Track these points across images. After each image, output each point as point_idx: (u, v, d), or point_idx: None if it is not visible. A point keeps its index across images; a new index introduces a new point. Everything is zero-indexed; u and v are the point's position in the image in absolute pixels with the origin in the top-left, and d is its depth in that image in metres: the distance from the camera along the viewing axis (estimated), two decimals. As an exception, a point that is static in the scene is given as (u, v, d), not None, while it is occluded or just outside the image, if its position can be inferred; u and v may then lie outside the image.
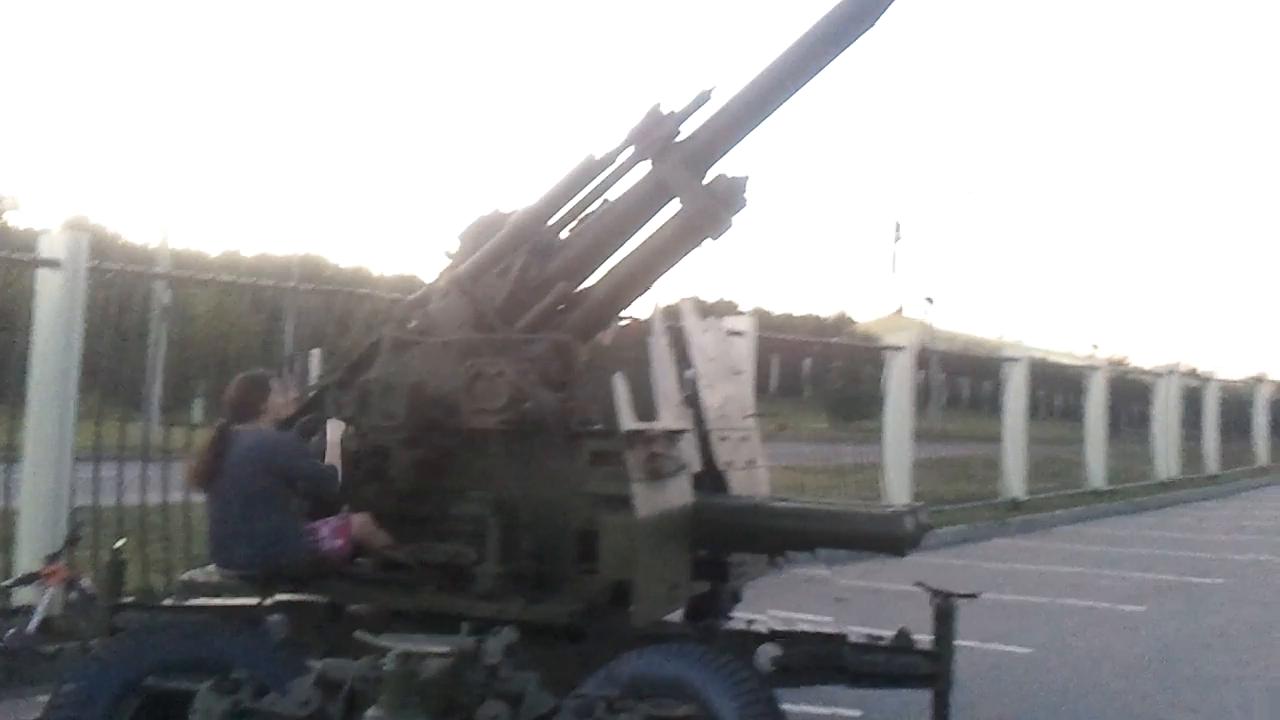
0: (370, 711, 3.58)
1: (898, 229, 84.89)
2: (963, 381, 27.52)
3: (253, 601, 5.34)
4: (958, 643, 6.08)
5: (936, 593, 5.54)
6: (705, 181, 5.41)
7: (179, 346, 11.61)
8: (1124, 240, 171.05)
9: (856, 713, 6.13)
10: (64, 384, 7.33)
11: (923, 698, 5.60)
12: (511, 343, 5.33)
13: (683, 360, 5.79)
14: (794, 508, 5.78)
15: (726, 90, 5.47)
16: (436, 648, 3.72)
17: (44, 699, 5.76)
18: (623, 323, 5.99)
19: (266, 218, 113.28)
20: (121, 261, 9.46)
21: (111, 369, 8.35)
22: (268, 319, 10.91)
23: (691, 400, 5.76)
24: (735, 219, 5.47)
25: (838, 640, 5.60)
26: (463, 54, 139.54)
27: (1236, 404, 28.10)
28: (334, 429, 5.30)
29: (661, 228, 5.52)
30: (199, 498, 7.72)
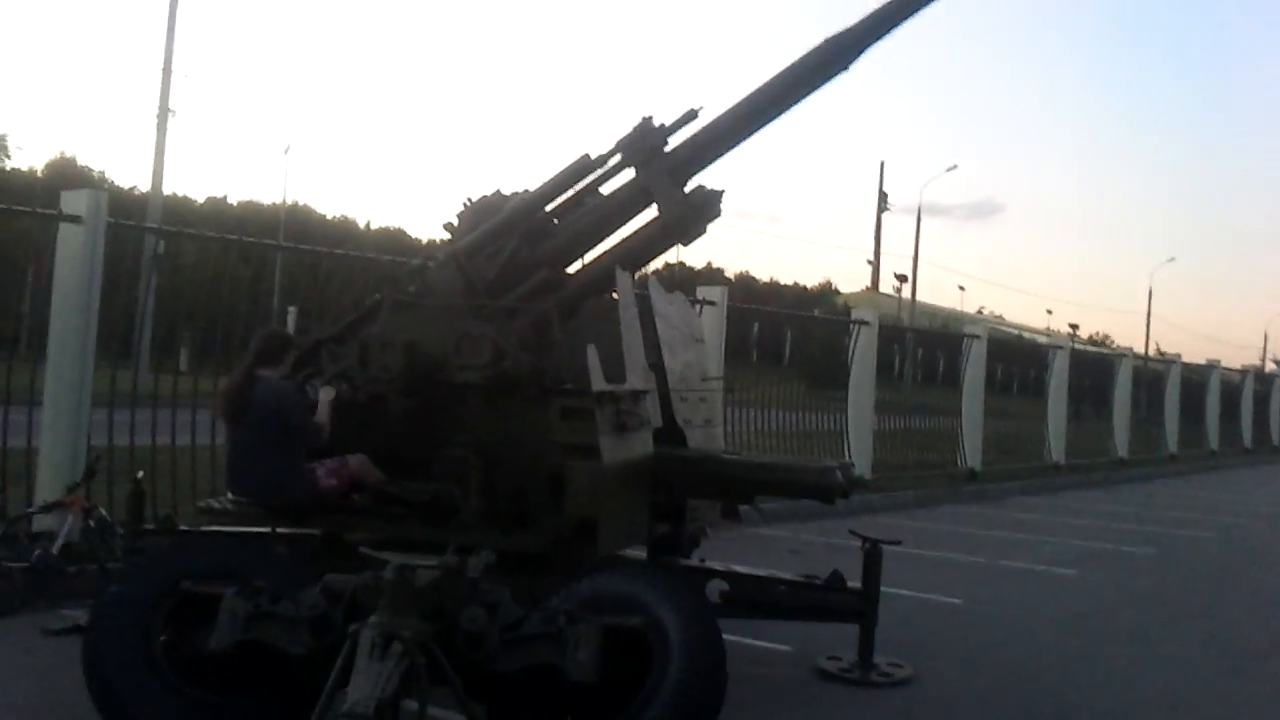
0: (374, 616, 4.27)
1: (884, 200, 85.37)
2: (936, 356, 28.24)
3: (262, 530, 6.03)
4: (895, 591, 6.86)
5: (866, 539, 6.31)
6: (685, 191, 6.06)
7: (168, 296, 12.19)
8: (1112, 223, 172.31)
9: (787, 648, 6.83)
10: (85, 333, 7.96)
11: (852, 633, 6.38)
12: (498, 311, 6.00)
13: (649, 328, 6.48)
14: (741, 460, 6.53)
15: (712, 110, 6.13)
16: (428, 562, 4.43)
17: (68, 611, 6.52)
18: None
19: (254, 163, 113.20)
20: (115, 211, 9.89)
21: (105, 317, 8.90)
22: (255, 273, 11.44)
23: (656, 364, 6.45)
24: (709, 227, 6.15)
25: (777, 579, 6.39)
26: (469, 27, 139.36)
27: (1196, 387, 28.89)
28: (325, 394, 5.94)
29: (642, 228, 6.21)
30: (202, 440, 8.48)
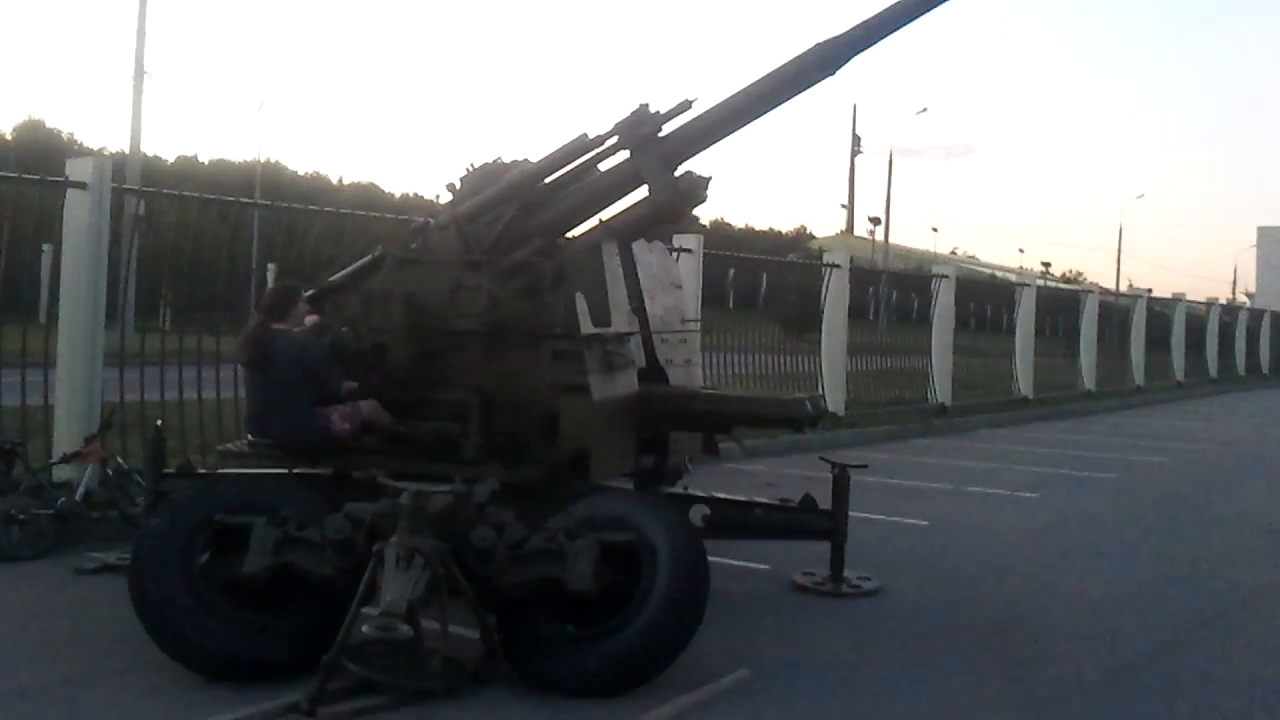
0: (394, 536, 4.79)
1: (857, 143, 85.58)
2: (910, 297, 28.76)
3: (278, 471, 6.52)
4: (865, 515, 7.41)
5: (834, 464, 6.87)
6: (675, 175, 6.48)
7: (148, 257, 12.49)
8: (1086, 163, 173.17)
9: (765, 566, 7.39)
10: (95, 294, 8.35)
11: (824, 551, 6.95)
12: (493, 267, 6.44)
13: (631, 275, 6.96)
14: (718, 394, 7.09)
15: (706, 101, 6.51)
16: (440, 489, 4.95)
17: (94, 554, 6.99)
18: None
19: (224, 121, 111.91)
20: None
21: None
22: (232, 231, 11.73)
23: (638, 309, 6.94)
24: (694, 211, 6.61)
25: (754, 503, 6.96)
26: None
27: (1163, 320, 29.58)
28: (369, 405, 6.40)
29: (632, 206, 6.66)
30: (208, 393, 8.96)
